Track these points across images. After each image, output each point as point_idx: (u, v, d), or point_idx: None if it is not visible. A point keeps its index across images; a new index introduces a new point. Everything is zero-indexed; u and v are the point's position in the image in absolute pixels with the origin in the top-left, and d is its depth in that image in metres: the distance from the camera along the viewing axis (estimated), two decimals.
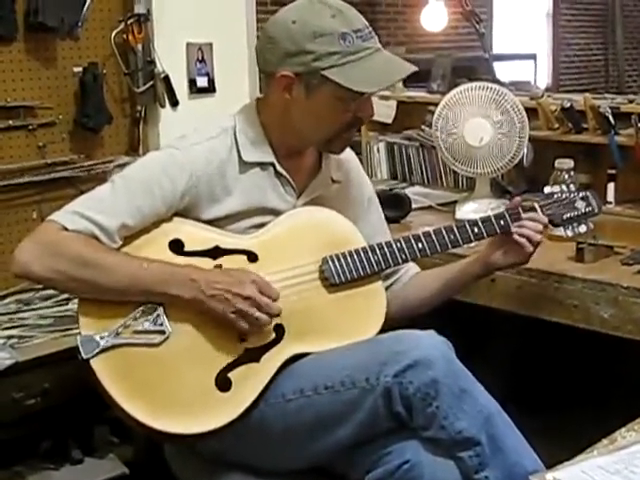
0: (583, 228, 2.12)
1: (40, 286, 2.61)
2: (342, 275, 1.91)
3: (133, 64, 3.16)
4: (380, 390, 1.72)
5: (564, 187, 2.12)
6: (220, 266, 1.86)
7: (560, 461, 1.39)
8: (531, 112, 2.83)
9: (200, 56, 3.34)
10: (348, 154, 2.11)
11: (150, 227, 1.86)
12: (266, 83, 1.93)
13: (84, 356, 1.75)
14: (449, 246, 2.00)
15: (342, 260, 1.92)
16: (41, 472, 2.55)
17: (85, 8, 3.02)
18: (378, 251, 1.95)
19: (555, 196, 2.10)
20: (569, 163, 2.50)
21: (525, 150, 2.81)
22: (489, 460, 1.70)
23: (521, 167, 2.92)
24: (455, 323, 2.19)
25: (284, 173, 1.96)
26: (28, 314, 2.68)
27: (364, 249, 1.94)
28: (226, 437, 1.80)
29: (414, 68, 1.89)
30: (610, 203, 2.83)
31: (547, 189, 2.16)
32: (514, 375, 2.83)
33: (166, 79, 3.22)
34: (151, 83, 3.19)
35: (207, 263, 1.85)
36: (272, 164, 1.95)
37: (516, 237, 1.99)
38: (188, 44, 3.30)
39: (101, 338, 1.76)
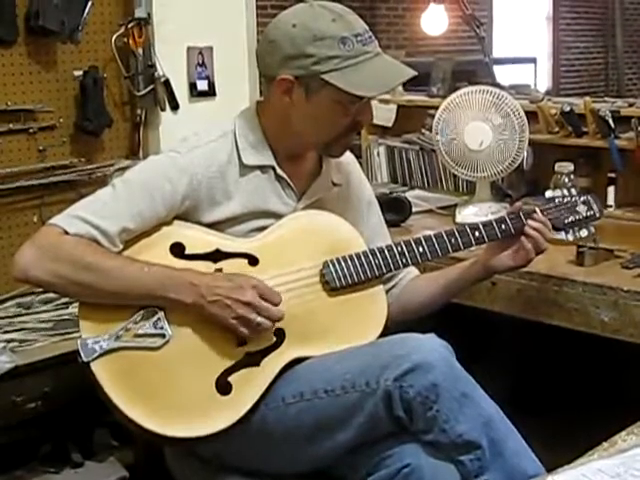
0: (584, 232, 2.12)
1: (40, 290, 2.61)
2: (343, 279, 1.91)
3: (133, 68, 3.16)
4: (380, 394, 1.72)
5: (565, 191, 2.12)
6: (221, 269, 1.86)
7: (560, 464, 1.39)
8: (531, 116, 2.83)
9: (200, 60, 3.34)
10: (348, 157, 2.11)
11: (151, 231, 1.86)
12: (266, 86, 1.93)
13: (84, 359, 1.75)
14: (450, 250, 2.00)
15: (343, 264, 1.92)
16: (41, 476, 2.55)
17: (86, 12, 3.03)
18: (379, 255, 1.95)
19: (556, 200, 2.10)
20: (569, 167, 2.50)
21: (525, 154, 2.81)
22: (489, 464, 1.70)
23: (521, 171, 2.93)
24: (455, 326, 2.19)
25: (284, 176, 1.96)
26: (28, 318, 2.68)
27: (365, 253, 1.94)
28: (226, 441, 1.80)
29: (414, 73, 1.89)
30: (610, 207, 2.83)
31: (548, 193, 2.16)
32: (514, 378, 2.83)
33: (166, 83, 3.22)
34: (151, 87, 3.19)
35: (208, 266, 1.85)
36: (272, 167, 1.95)
37: (523, 240, 1.99)
38: (188, 48, 3.31)
39: (102, 341, 1.76)
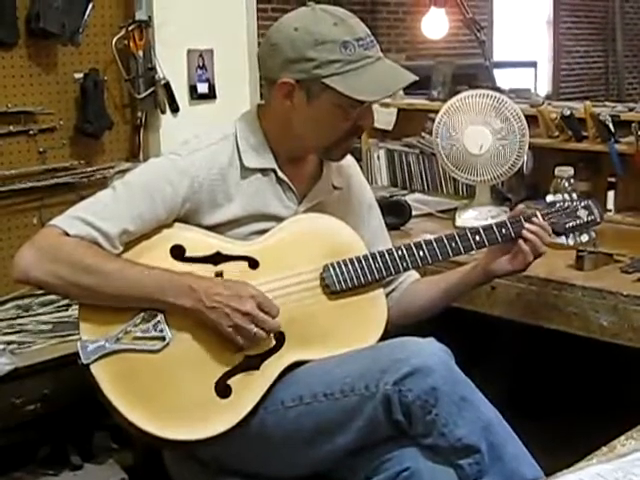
0: (585, 237, 2.12)
1: (40, 292, 2.62)
2: (343, 282, 1.91)
3: (134, 70, 3.16)
4: (380, 398, 1.72)
5: (566, 196, 2.12)
6: (221, 272, 1.86)
7: (559, 469, 1.39)
8: (531, 120, 2.84)
9: (201, 62, 3.35)
10: (349, 160, 2.11)
11: (151, 233, 1.86)
12: (267, 89, 1.93)
13: (84, 362, 1.75)
14: (450, 254, 2.00)
15: (343, 267, 1.92)
16: (40, 478, 2.55)
17: (86, 14, 3.03)
18: (379, 259, 1.95)
19: (558, 205, 2.10)
20: (569, 171, 2.50)
21: (525, 158, 2.81)
22: (488, 468, 1.70)
23: (521, 175, 2.93)
24: (455, 330, 2.18)
25: (285, 179, 1.96)
26: (28, 320, 2.68)
27: (365, 257, 1.94)
28: (225, 444, 1.79)
29: (415, 77, 1.90)
30: (610, 211, 2.83)
31: (549, 198, 2.16)
32: (514, 382, 2.83)
33: (167, 85, 3.23)
34: (152, 89, 3.20)
35: (208, 269, 1.85)
36: (273, 170, 1.95)
37: (521, 243, 1.99)
38: (189, 50, 3.31)
39: (101, 344, 1.76)
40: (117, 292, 1.78)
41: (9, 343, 2.52)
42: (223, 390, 1.79)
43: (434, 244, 1.99)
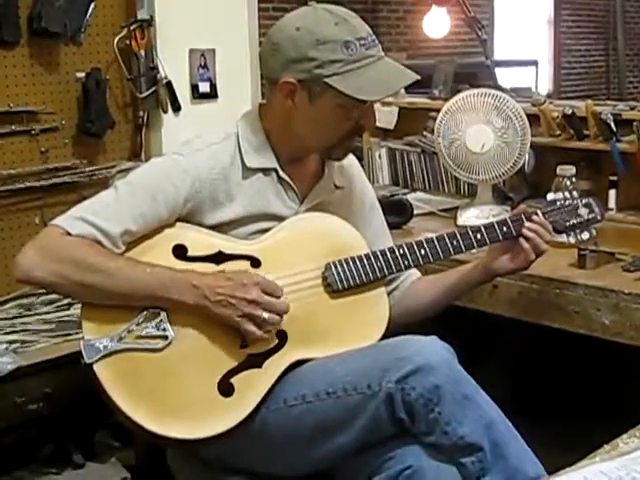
0: (586, 235, 2.12)
1: (42, 291, 2.62)
2: (345, 281, 1.91)
3: (136, 70, 3.17)
4: (382, 396, 1.72)
5: (567, 194, 2.12)
6: (223, 272, 1.86)
7: (562, 467, 1.39)
8: (533, 119, 2.84)
9: (202, 62, 3.35)
10: (350, 160, 2.11)
11: (153, 233, 1.86)
12: (269, 89, 1.94)
13: (87, 361, 1.75)
14: (452, 252, 2.00)
15: (345, 266, 1.92)
16: (42, 477, 2.55)
17: (88, 14, 3.04)
18: (381, 257, 1.95)
19: (558, 203, 2.10)
20: (571, 170, 2.50)
21: (527, 157, 2.82)
22: (491, 466, 1.70)
23: (523, 173, 2.93)
24: (457, 329, 2.19)
25: (287, 179, 1.96)
26: (30, 319, 2.68)
27: (367, 255, 1.95)
28: (228, 442, 1.80)
29: (416, 76, 1.90)
30: (611, 210, 2.83)
31: (550, 196, 2.16)
32: (516, 381, 2.84)
33: (169, 85, 3.23)
34: (154, 89, 3.20)
35: (210, 268, 1.85)
36: (275, 170, 1.95)
37: (522, 242, 1.99)
38: (191, 50, 3.31)
39: (104, 343, 1.77)
40: (120, 291, 1.78)
41: (11, 342, 2.52)
42: (226, 389, 1.79)
43: (435, 242, 1.99)
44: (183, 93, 3.29)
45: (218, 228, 1.91)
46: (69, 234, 1.78)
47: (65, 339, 2.54)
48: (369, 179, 2.26)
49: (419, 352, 1.74)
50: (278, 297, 1.81)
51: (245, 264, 1.88)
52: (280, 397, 1.82)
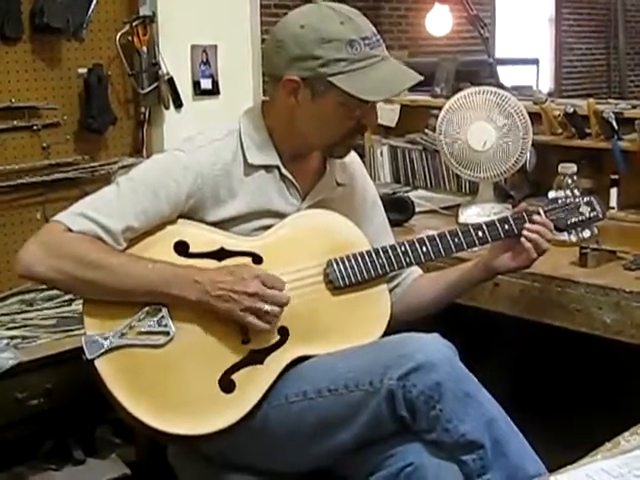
0: (587, 233, 2.12)
1: (43, 286, 2.62)
2: (346, 278, 1.91)
3: (138, 66, 3.17)
4: (384, 393, 1.72)
5: (568, 192, 2.12)
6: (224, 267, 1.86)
7: (563, 465, 1.39)
8: (534, 117, 2.83)
9: (204, 58, 3.35)
10: (352, 157, 2.11)
11: (155, 229, 1.86)
12: (272, 86, 1.93)
13: (88, 357, 1.75)
14: (453, 250, 2.00)
15: (347, 263, 1.92)
16: (43, 473, 2.56)
17: (90, 9, 3.04)
18: (383, 254, 1.95)
19: (559, 201, 2.10)
20: (572, 168, 2.50)
21: (528, 155, 2.81)
22: (492, 463, 1.70)
23: (524, 171, 2.93)
24: (459, 327, 2.19)
25: (289, 176, 1.96)
26: (31, 315, 2.69)
27: (369, 252, 1.95)
28: (229, 439, 1.80)
29: (420, 77, 1.90)
30: (613, 208, 2.83)
31: (551, 194, 2.16)
32: (517, 379, 2.84)
33: (170, 81, 3.24)
34: (155, 85, 3.21)
35: (212, 265, 1.85)
36: (277, 167, 1.95)
37: (523, 241, 1.99)
38: (192, 46, 3.32)
39: (106, 339, 1.77)
40: (121, 287, 1.78)
41: (13, 338, 2.53)
42: (227, 385, 1.79)
43: (437, 240, 1.99)
44: (185, 89, 3.30)
45: (220, 225, 1.91)
46: (71, 230, 1.78)
47: (66, 335, 2.55)
48: (371, 176, 2.26)
49: (421, 349, 1.74)
50: (279, 289, 1.81)
51: (247, 261, 1.88)
52: (281, 393, 1.82)
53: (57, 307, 2.72)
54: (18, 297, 2.78)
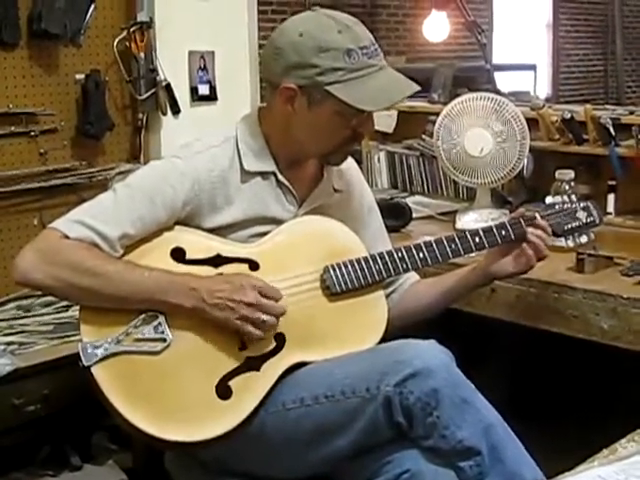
0: (584, 238, 2.12)
1: (40, 292, 2.61)
2: (343, 284, 1.91)
3: (135, 72, 3.17)
4: (380, 399, 1.72)
5: (565, 197, 2.12)
6: (221, 275, 1.86)
7: (560, 471, 1.39)
8: (532, 123, 2.84)
9: (202, 64, 3.35)
10: (349, 163, 2.11)
11: (152, 235, 1.86)
12: (269, 93, 1.93)
13: (85, 363, 1.75)
14: (450, 256, 2.00)
15: (343, 269, 1.92)
16: (40, 479, 2.55)
17: (88, 15, 3.04)
18: (379, 260, 1.95)
19: (556, 206, 2.10)
20: (570, 174, 2.50)
21: (525, 161, 2.82)
22: (489, 470, 1.70)
23: (521, 177, 2.93)
24: (455, 333, 2.19)
25: (286, 182, 1.96)
26: (28, 320, 2.68)
27: (365, 258, 1.95)
28: (226, 445, 1.80)
29: (417, 87, 1.90)
30: (610, 214, 2.83)
31: (548, 199, 2.17)
32: (514, 385, 2.84)
33: (168, 87, 3.23)
34: (153, 91, 3.20)
35: (209, 271, 1.85)
36: (274, 173, 1.95)
37: (525, 247, 1.99)
38: (190, 52, 3.32)
39: (102, 346, 1.76)
40: (117, 294, 1.78)
41: (10, 344, 2.52)
42: (224, 392, 1.79)
43: (434, 246, 1.99)
44: (182, 95, 3.30)
45: (217, 231, 1.91)
46: (67, 237, 1.78)
47: (63, 341, 2.54)
48: (368, 182, 2.26)
49: (418, 356, 1.74)
50: (276, 300, 1.81)
51: (243, 267, 1.88)
52: (278, 400, 1.82)
53: (54, 313, 2.71)
54: (15, 303, 2.78)
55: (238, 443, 1.80)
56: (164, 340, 1.79)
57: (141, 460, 2.57)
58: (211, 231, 1.91)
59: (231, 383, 1.80)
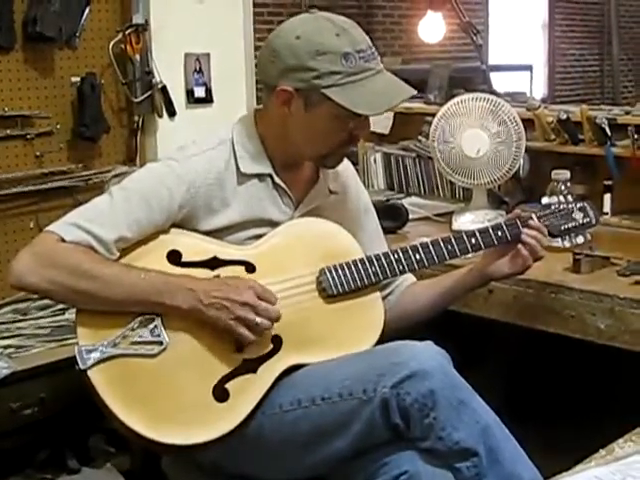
0: (580, 239, 2.13)
1: (37, 296, 2.61)
2: (340, 286, 1.91)
3: (131, 74, 3.17)
4: (377, 401, 1.72)
5: (561, 198, 2.13)
6: (218, 277, 1.86)
7: (557, 472, 1.39)
8: (528, 123, 2.84)
9: (198, 66, 3.35)
10: (345, 164, 2.11)
11: (148, 238, 1.86)
12: (266, 95, 1.93)
13: (82, 367, 1.75)
14: (446, 257, 2.00)
15: (340, 271, 1.92)
16: None
17: (83, 18, 3.04)
18: (376, 262, 1.95)
19: (553, 207, 2.10)
20: (566, 174, 2.50)
21: (522, 161, 2.82)
22: (486, 471, 1.70)
23: (518, 178, 2.93)
24: (452, 334, 2.19)
25: (282, 185, 1.96)
26: (25, 324, 2.68)
27: (362, 260, 1.95)
28: (223, 448, 1.79)
29: (413, 91, 1.91)
30: (606, 214, 2.84)
31: (545, 200, 2.16)
32: (511, 385, 2.84)
33: (164, 89, 3.23)
34: (149, 93, 3.20)
35: (205, 274, 1.85)
36: (270, 176, 1.95)
37: (520, 247, 1.99)
38: (186, 54, 3.32)
39: (98, 349, 1.76)
40: (114, 297, 1.78)
41: (6, 347, 2.52)
42: (221, 394, 1.79)
43: (430, 247, 1.99)
44: (178, 98, 3.30)
45: (213, 234, 1.91)
46: (64, 240, 1.78)
47: (60, 344, 2.54)
48: (364, 184, 2.26)
49: (414, 357, 1.74)
50: (272, 303, 1.81)
51: (240, 269, 1.88)
52: (275, 402, 1.82)
53: (51, 316, 2.71)
54: (12, 306, 2.78)
55: (235, 445, 1.79)
56: (161, 343, 1.79)
57: (139, 463, 2.57)
58: (207, 233, 1.91)
59: (228, 386, 1.80)
